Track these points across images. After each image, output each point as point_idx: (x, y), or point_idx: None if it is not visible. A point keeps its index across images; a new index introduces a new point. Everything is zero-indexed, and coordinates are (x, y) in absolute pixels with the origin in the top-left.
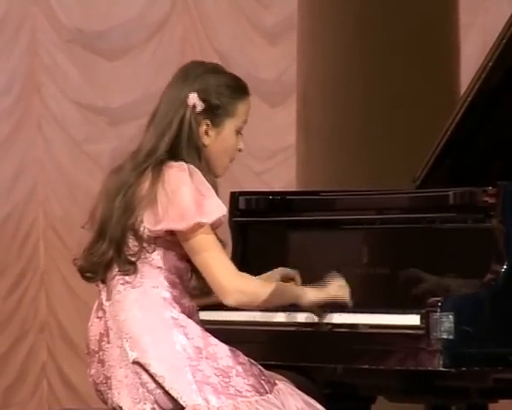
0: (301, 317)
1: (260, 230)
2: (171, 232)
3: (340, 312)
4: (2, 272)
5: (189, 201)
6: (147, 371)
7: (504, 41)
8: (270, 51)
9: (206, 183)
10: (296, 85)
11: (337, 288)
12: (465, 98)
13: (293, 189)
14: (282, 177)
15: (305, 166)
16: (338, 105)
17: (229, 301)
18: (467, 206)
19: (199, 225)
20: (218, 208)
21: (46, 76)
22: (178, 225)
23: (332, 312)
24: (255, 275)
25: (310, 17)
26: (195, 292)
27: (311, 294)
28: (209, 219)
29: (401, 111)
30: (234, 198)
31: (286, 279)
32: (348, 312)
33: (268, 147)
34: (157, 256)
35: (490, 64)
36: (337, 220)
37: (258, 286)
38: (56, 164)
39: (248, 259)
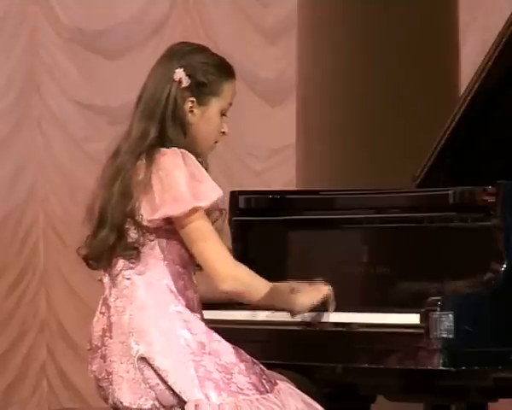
0: (301, 316)
1: (260, 229)
2: (170, 221)
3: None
4: (2, 272)
5: (184, 186)
6: (150, 365)
7: (504, 40)
8: (270, 50)
9: (200, 167)
10: (296, 85)
11: (322, 291)
12: (465, 97)
13: (293, 188)
14: (281, 176)
15: (305, 166)
16: (338, 104)
17: (224, 287)
18: (466, 205)
19: (194, 211)
20: (213, 191)
21: (46, 75)
22: (175, 211)
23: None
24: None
25: (310, 16)
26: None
27: (301, 304)
28: (205, 203)
29: (401, 110)
30: (234, 197)
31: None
32: (348, 311)
33: (268, 146)
34: (160, 247)
35: (490, 63)
36: (337, 219)
37: (254, 277)
38: (56, 163)
39: (248, 258)
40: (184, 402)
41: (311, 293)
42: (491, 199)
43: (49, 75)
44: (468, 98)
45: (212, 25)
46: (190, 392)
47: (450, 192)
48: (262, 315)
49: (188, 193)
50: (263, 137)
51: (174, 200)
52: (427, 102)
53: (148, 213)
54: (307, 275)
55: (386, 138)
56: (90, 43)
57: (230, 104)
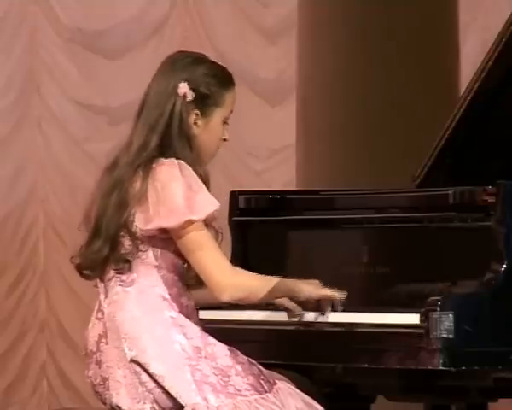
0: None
1: (260, 229)
2: (165, 230)
3: (339, 311)
4: (2, 272)
5: (179, 197)
6: (146, 370)
7: (504, 40)
8: (270, 51)
9: (197, 178)
10: (296, 85)
11: (331, 290)
12: (465, 97)
13: (293, 188)
14: (281, 176)
15: (305, 166)
16: (338, 104)
17: (224, 297)
18: (466, 205)
19: (190, 222)
20: (209, 204)
21: (46, 75)
22: (169, 223)
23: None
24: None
25: (310, 16)
26: (192, 282)
27: (307, 289)
28: (200, 215)
29: (401, 110)
30: (234, 197)
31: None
32: (348, 311)
33: (268, 146)
34: (154, 255)
35: (490, 63)
36: (337, 219)
37: (253, 280)
38: (56, 164)
39: (248, 258)
40: (182, 407)
41: (316, 286)
42: (491, 199)
43: (49, 75)
44: (468, 98)
45: (212, 25)
46: (187, 396)
47: (450, 192)
48: (261, 315)
49: (183, 205)
50: (263, 137)
51: (169, 212)
52: (427, 102)
53: (142, 223)
54: (307, 275)
55: (387, 138)
56: (90, 43)
57: (231, 112)
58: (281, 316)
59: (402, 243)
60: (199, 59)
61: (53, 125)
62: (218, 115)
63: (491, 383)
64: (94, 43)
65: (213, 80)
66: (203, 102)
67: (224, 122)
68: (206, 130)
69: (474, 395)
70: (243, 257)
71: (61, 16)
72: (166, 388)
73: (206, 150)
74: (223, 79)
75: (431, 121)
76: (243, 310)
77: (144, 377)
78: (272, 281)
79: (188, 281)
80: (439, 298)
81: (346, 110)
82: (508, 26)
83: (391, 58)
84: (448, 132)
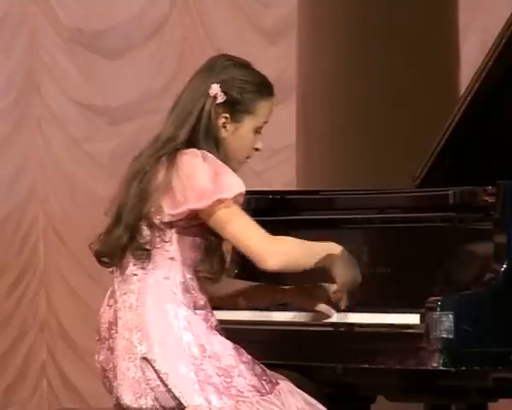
0: (302, 316)
1: None
2: (191, 217)
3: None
4: (2, 272)
5: (205, 182)
6: (152, 366)
7: (504, 41)
8: (270, 50)
9: (222, 163)
10: (296, 84)
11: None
12: (465, 97)
13: (293, 188)
14: (281, 176)
15: (305, 166)
16: (338, 104)
17: (269, 265)
18: (466, 205)
19: (219, 202)
20: (236, 185)
21: (46, 75)
22: (199, 205)
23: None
24: (256, 275)
25: (310, 16)
26: (205, 275)
27: (344, 269)
28: (229, 193)
29: (400, 110)
30: None
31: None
32: (348, 311)
33: (268, 146)
34: (171, 247)
35: (490, 63)
36: (337, 220)
37: (295, 245)
38: (56, 164)
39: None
40: (184, 406)
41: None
42: (491, 199)
43: (49, 75)
44: (468, 98)
45: (212, 25)
46: (190, 396)
47: (450, 192)
48: (262, 315)
49: (210, 186)
50: (263, 136)
51: (197, 196)
52: (426, 102)
53: (171, 208)
54: (307, 275)
55: (386, 138)
56: (90, 43)
57: (266, 122)
58: (281, 316)
59: (402, 243)
60: (239, 64)
61: (53, 125)
62: (248, 123)
63: (491, 383)
64: (94, 43)
65: (248, 86)
66: (233, 106)
67: (257, 131)
68: (235, 135)
69: (474, 395)
70: (243, 258)
71: (61, 16)
72: (170, 386)
73: (233, 156)
74: (260, 86)
75: (430, 121)
76: (243, 310)
77: (149, 374)
78: (315, 247)
79: (200, 273)
80: (439, 298)
81: (347, 110)
82: (507, 26)
83: (391, 58)
84: (448, 132)
